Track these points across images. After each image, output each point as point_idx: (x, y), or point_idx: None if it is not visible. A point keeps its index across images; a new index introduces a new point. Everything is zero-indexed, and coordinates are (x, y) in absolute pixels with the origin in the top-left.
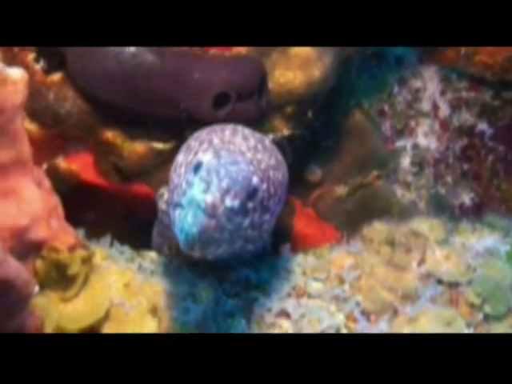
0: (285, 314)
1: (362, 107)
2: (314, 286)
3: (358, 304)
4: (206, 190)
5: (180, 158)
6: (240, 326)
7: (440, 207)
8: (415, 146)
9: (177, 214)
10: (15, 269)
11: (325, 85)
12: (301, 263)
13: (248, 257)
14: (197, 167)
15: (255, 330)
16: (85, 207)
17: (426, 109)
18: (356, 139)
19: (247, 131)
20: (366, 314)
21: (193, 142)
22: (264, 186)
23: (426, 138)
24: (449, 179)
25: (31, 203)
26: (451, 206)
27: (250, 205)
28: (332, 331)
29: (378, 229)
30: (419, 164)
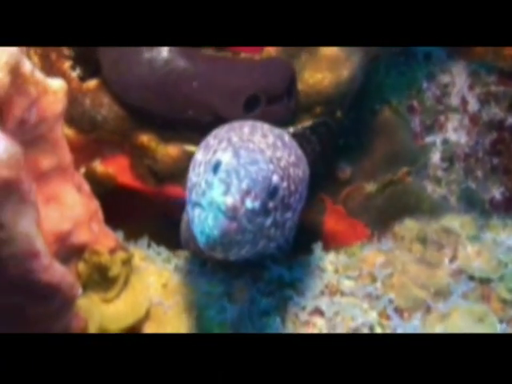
0: (319, 311)
1: (390, 104)
2: (347, 284)
3: (390, 301)
4: (226, 192)
5: (199, 156)
6: (275, 325)
7: (471, 202)
8: (445, 141)
9: (196, 213)
10: (60, 273)
11: (353, 84)
12: (333, 261)
13: (270, 253)
14: (216, 167)
15: (290, 328)
16: (122, 210)
17: (455, 104)
18: (385, 136)
19: (266, 127)
20: (399, 311)
21: (211, 139)
22: (284, 184)
23: (455, 132)
24: (479, 174)
25: (73, 208)
26: (482, 201)
27: (271, 204)
28: (365, 329)
29: (409, 226)
30: (449, 159)
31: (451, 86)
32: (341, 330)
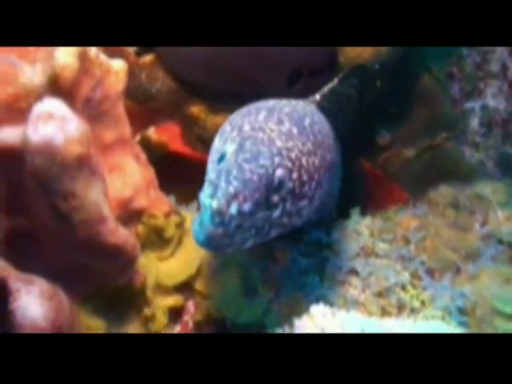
0: (354, 272)
1: (430, 71)
2: (381, 247)
3: (422, 263)
4: (213, 196)
5: (215, 142)
6: (314, 283)
7: (508, 167)
8: (484, 107)
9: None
10: (124, 235)
11: (392, 55)
12: (369, 225)
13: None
14: (220, 159)
15: (327, 286)
16: (173, 175)
17: (494, 70)
18: (425, 102)
19: (286, 110)
20: (430, 272)
21: (227, 126)
22: (294, 176)
23: (494, 98)
24: None
25: (133, 177)
26: None
27: (276, 198)
28: (398, 288)
29: (443, 192)
30: (488, 125)
31: (491, 53)
32: (374, 288)
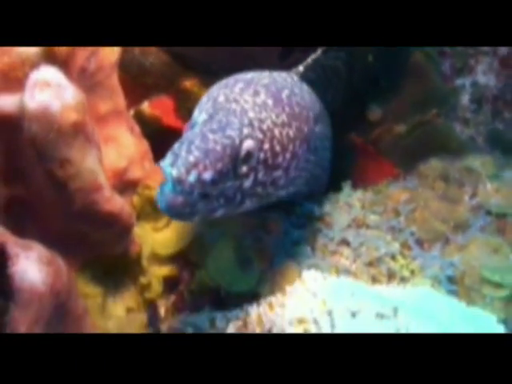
0: (345, 242)
1: (422, 47)
2: (372, 218)
3: (412, 234)
4: (173, 164)
5: (194, 113)
6: (306, 253)
7: (497, 142)
8: (474, 84)
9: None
10: (120, 204)
11: None
12: (360, 198)
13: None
14: (192, 127)
15: (319, 256)
16: (166, 148)
17: (485, 47)
18: (416, 78)
19: (264, 82)
20: (419, 243)
21: (205, 97)
22: (266, 146)
23: (484, 75)
24: (506, 115)
25: (128, 148)
26: (509, 141)
27: (245, 168)
28: (388, 258)
29: (433, 165)
30: (478, 101)
31: None
32: (365, 258)
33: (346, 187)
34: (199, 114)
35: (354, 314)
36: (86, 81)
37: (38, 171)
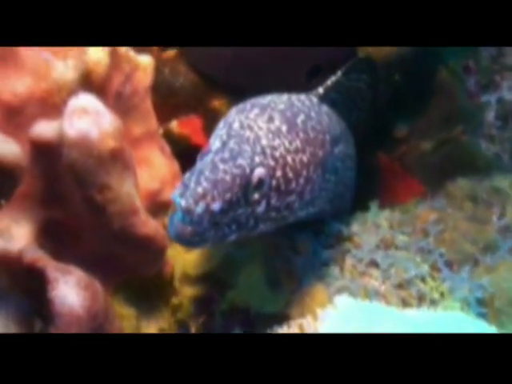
0: (374, 263)
1: (447, 64)
2: (401, 239)
3: (441, 255)
4: (182, 195)
5: (211, 138)
6: (335, 274)
7: None
8: (500, 100)
9: None
10: (155, 226)
11: (411, 48)
12: (388, 218)
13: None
14: (203, 155)
15: (348, 278)
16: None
17: (510, 63)
18: (442, 96)
19: (280, 107)
20: (448, 264)
21: (222, 122)
22: (278, 173)
23: (510, 91)
24: None
25: (160, 169)
26: None
27: (256, 195)
28: (418, 280)
29: (461, 185)
30: (504, 117)
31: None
32: (395, 280)
33: (374, 207)
34: (214, 141)
35: None
36: (122, 105)
37: (75, 195)
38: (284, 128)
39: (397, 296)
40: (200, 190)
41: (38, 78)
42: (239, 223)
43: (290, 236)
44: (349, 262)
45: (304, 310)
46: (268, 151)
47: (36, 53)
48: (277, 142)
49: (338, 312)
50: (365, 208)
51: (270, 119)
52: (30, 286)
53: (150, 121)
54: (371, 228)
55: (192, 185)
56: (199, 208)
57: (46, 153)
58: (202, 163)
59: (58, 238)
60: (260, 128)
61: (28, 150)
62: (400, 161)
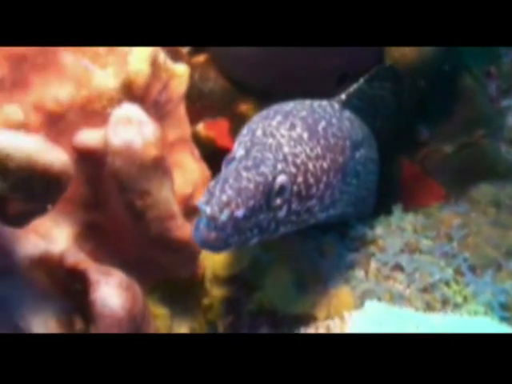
0: (399, 267)
1: (470, 70)
2: (425, 243)
3: (465, 259)
4: (207, 202)
5: (235, 144)
6: (359, 277)
7: None
8: None
9: None
10: (189, 230)
11: (436, 55)
12: (412, 221)
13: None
14: (228, 162)
15: (373, 281)
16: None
17: None
18: (463, 101)
19: (302, 115)
20: (472, 269)
21: (245, 129)
22: (299, 179)
23: None
24: None
25: (192, 174)
26: None
27: (278, 201)
28: (442, 284)
29: (484, 191)
30: None
31: None
32: (419, 284)
33: (397, 210)
34: (238, 147)
35: None
36: (158, 112)
37: (116, 200)
38: (305, 135)
39: (421, 300)
40: (224, 197)
41: (79, 86)
42: (261, 227)
43: (315, 239)
44: (373, 265)
45: (330, 311)
46: (290, 158)
47: (76, 61)
48: (298, 149)
49: (365, 315)
50: (388, 211)
51: (292, 126)
52: (70, 287)
53: (184, 126)
54: (395, 232)
55: (217, 193)
56: (224, 215)
57: (90, 159)
58: (227, 171)
59: (98, 240)
60: (282, 136)
61: (71, 156)
62: (421, 163)
